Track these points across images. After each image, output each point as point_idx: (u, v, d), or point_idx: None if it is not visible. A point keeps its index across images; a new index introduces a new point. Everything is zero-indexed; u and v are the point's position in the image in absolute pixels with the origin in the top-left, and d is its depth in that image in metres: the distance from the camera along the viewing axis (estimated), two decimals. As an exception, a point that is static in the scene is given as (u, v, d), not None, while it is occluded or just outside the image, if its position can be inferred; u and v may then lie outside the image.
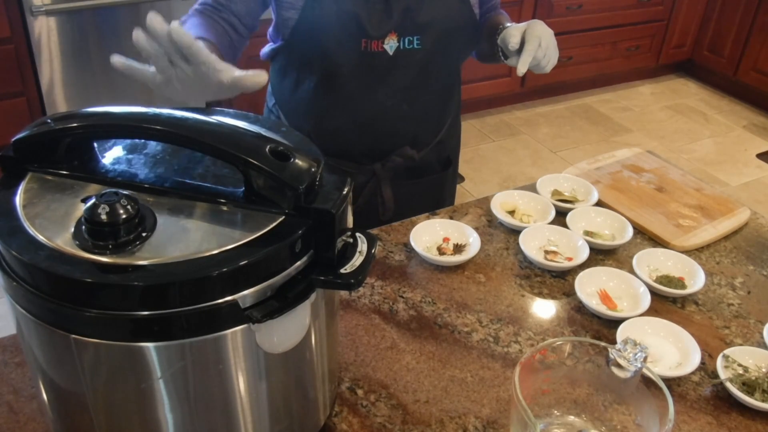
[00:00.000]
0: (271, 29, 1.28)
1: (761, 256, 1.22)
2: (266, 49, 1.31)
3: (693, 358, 0.95)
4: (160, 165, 0.72)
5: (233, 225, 0.64)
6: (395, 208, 1.37)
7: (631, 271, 1.12)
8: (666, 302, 1.09)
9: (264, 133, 0.71)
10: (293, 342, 0.69)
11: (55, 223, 0.63)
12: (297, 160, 0.66)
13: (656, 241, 1.23)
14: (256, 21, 1.21)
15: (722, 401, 0.92)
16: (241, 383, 0.68)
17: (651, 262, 1.15)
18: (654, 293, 1.08)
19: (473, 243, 1.16)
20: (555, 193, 1.33)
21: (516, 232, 1.22)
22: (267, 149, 0.65)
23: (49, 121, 0.69)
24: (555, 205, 1.27)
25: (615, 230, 1.23)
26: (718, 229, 1.26)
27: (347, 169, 1.31)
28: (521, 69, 1.10)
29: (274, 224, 0.65)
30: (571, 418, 0.83)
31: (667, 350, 0.98)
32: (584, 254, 1.14)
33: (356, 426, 0.85)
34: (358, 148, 1.32)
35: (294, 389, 0.75)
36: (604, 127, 3.76)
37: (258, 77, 0.81)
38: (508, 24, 1.19)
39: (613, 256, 1.19)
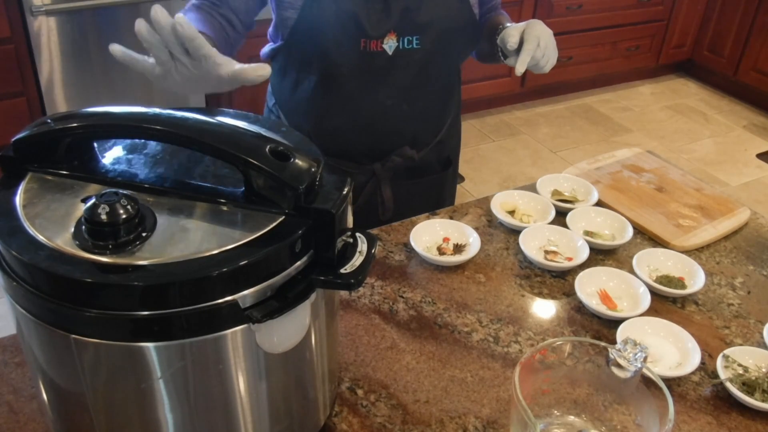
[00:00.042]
0: (270, 29, 1.28)
1: (761, 256, 1.22)
2: (266, 49, 1.31)
3: (693, 358, 0.95)
4: (160, 165, 0.72)
5: (233, 225, 0.64)
6: (395, 208, 1.37)
7: (631, 271, 1.11)
8: (666, 302, 1.09)
9: (264, 133, 0.71)
10: (293, 342, 0.69)
11: (55, 223, 0.63)
12: (297, 160, 0.66)
13: (656, 241, 1.23)
14: (254, 19, 1.21)
15: (722, 401, 0.92)
16: (241, 383, 0.68)
17: (651, 262, 1.15)
18: (654, 293, 1.08)
19: (473, 243, 1.16)
20: (555, 193, 1.33)
21: (516, 232, 1.22)
22: (267, 149, 0.65)
23: (49, 121, 0.69)
24: (555, 205, 1.27)
25: (615, 230, 1.23)
26: (718, 229, 1.26)
27: (347, 169, 1.31)
28: (519, 69, 1.10)
29: (274, 224, 0.65)
30: (571, 418, 0.83)
31: (667, 350, 0.98)
32: (584, 254, 1.14)
33: (356, 426, 0.85)
34: (358, 148, 1.32)
35: (294, 389, 0.75)
36: (604, 127, 3.76)
37: (260, 70, 0.81)
38: (508, 24, 1.18)
39: (613, 256, 1.19)
